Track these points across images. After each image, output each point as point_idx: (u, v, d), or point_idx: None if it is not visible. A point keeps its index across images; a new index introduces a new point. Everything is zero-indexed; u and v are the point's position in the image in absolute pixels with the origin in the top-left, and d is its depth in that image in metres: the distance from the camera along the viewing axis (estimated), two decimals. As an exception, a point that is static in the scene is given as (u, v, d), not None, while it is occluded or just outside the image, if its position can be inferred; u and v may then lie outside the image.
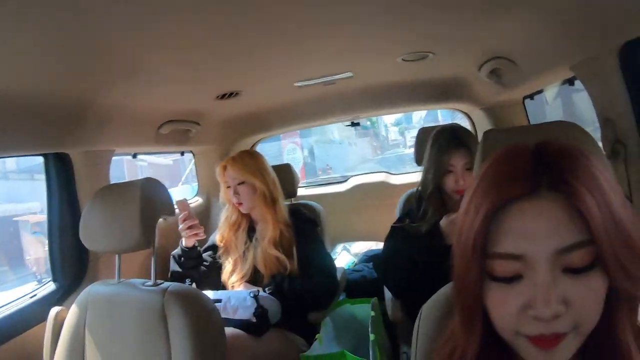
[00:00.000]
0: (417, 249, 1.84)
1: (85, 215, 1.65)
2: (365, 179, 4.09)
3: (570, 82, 1.92)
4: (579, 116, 3.28)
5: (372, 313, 2.27)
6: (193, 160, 3.12)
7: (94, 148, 2.01)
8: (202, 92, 2.18)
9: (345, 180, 4.15)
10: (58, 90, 1.58)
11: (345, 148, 11.02)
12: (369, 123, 11.80)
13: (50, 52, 1.27)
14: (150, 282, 1.60)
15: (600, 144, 1.57)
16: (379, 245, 3.41)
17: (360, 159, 11.17)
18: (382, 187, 3.94)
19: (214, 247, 2.29)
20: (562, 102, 3.50)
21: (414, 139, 2.86)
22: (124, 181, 1.72)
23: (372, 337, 2.01)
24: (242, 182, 2.18)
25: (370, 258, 3.26)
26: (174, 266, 2.19)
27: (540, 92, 2.52)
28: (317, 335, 2.09)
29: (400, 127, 12.93)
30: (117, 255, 1.68)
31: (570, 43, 1.54)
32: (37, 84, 1.46)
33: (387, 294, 2.23)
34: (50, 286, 1.95)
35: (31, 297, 1.86)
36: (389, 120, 12.41)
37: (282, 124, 3.33)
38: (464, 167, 1.89)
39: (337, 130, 9.94)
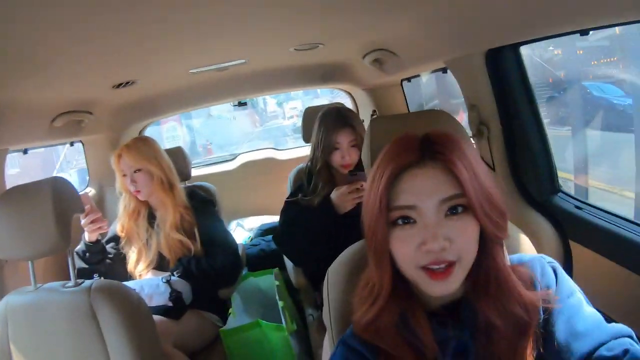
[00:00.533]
0: (311, 220, 2.00)
1: None
2: (252, 156, 4.21)
3: (443, 70, 2.21)
4: (451, 93, 3.74)
5: (276, 282, 2.46)
6: (66, 148, 2.98)
7: None
8: (98, 82, 2.12)
9: (234, 158, 4.24)
10: None
11: (225, 122, 10.86)
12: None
13: None
14: (71, 283, 1.56)
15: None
16: (272, 219, 3.60)
17: (241, 133, 11.09)
18: (270, 163, 4.10)
19: (115, 238, 2.25)
20: (436, 82, 3.95)
21: (294, 111, 3.06)
22: (27, 182, 1.63)
23: (280, 303, 2.20)
24: (139, 170, 2.15)
25: (265, 232, 3.41)
26: (79, 263, 2.13)
27: (417, 76, 2.84)
28: (230, 310, 2.21)
29: (278, 99, 12.91)
30: (30, 262, 1.59)
31: (445, 43, 1.82)
32: None
33: (288, 263, 2.40)
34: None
35: None
36: None
37: (174, 108, 3.33)
38: (349, 144, 2.06)
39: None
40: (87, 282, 1.54)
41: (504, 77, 1.73)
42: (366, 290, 0.93)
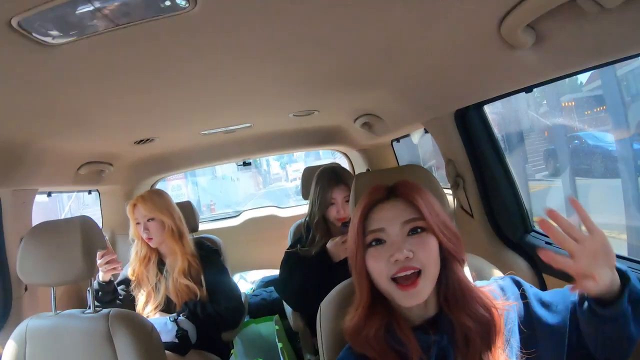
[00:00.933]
0: (309, 268, 2.17)
1: (23, 251, 1.69)
2: (256, 213, 4.44)
3: (425, 130, 2.45)
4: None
5: (277, 327, 2.63)
6: (71, 200, 3.20)
7: (23, 187, 2.10)
8: (122, 137, 2.36)
9: (238, 215, 4.46)
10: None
11: (229, 183, 11.10)
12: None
13: None
14: (90, 310, 1.70)
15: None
16: (273, 272, 3.74)
17: (244, 194, 11.30)
18: (272, 220, 4.31)
19: (126, 281, 2.36)
20: (423, 141, 4.27)
21: (296, 173, 3.30)
22: (56, 219, 1.82)
23: (279, 345, 2.36)
24: (152, 219, 2.27)
25: (266, 283, 3.58)
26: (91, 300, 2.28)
27: (406, 136, 3.12)
28: (232, 351, 2.35)
29: (282, 162, 13.30)
30: (52, 288, 1.74)
31: (419, 107, 2.11)
32: None
33: (288, 308, 2.54)
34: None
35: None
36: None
37: (185, 165, 3.59)
38: (344, 199, 2.22)
39: (220, 165, 10.15)
40: (105, 310, 1.67)
41: (473, 133, 1.98)
42: (352, 312, 1.13)
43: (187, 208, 2.74)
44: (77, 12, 0.91)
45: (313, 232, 2.32)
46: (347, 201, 2.23)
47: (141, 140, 2.49)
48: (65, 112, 1.65)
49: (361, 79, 1.88)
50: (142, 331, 1.65)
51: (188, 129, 2.56)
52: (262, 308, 3.20)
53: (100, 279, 2.24)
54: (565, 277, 1.61)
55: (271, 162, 13.63)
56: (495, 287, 1.13)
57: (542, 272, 1.81)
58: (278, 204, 4.78)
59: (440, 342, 1.05)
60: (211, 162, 3.87)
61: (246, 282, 3.77)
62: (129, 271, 2.37)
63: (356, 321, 1.09)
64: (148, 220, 2.28)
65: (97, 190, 3.09)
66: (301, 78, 1.80)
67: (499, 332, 1.05)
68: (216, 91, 1.76)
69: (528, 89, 1.53)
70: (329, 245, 2.15)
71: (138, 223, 2.29)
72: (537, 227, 1.99)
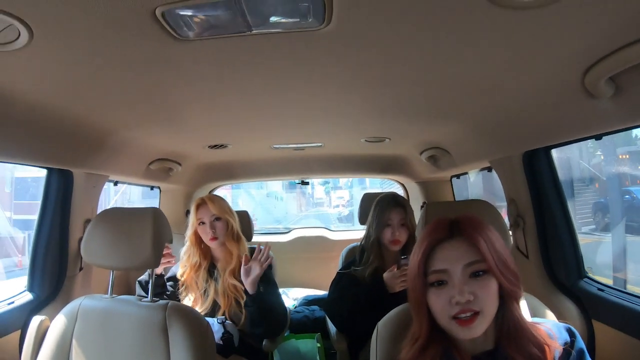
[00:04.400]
0: (361, 291, 2.30)
1: (90, 232, 1.79)
2: (306, 232, 4.62)
3: (489, 169, 2.61)
4: (492, 191, 4.17)
5: (318, 345, 2.75)
6: (119, 194, 3.36)
7: (97, 172, 2.28)
8: (198, 139, 2.56)
9: (289, 232, 4.65)
10: (87, 117, 1.79)
11: (272, 201, 11.27)
12: (297, 178, 12.33)
13: (97, 84, 1.46)
14: (147, 299, 1.78)
15: (506, 217, 2.27)
16: (316, 292, 3.91)
17: (286, 214, 11.42)
18: (321, 241, 4.48)
19: (174, 279, 2.45)
20: (482, 180, 4.40)
21: (340, 200, 3.46)
22: (128, 208, 1.95)
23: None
24: (219, 218, 2.38)
25: (310, 302, 3.71)
26: (139, 291, 2.35)
27: (464, 174, 3.27)
28: None
29: (327, 187, 13.35)
30: (111, 272, 1.84)
31: (489, 145, 2.25)
32: (73, 108, 1.67)
33: (331, 328, 2.65)
34: (27, 296, 2.09)
35: (8, 304, 1.98)
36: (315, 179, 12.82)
37: (248, 175, 3.80)
38: (400, 222, 2.39)
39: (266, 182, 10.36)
40: (163, 302, 1.74)
41: (538, 176, 2.10)
42: (412, 342, 1.23)
43: (245, 217, 2.87)
44: (218, 12, 1.03)
45: (367, 253, 2.46)
46: (403, 224, 2.40)
47: (215, 145, 2.68)
48: (158, 107, 1.81)
49: (437, 112, 2.03)
50: (199, 327, 1.70)
51: (261, 141, 2.75)
52: (303, 325, 3.32)
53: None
54: (616, 325, 1.75)
55: (315, 186, 13.68)
56: (552, 326, 1.23)
57: (592, 319, 1.89)
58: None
59: None
60: (274, 176, 4.09)
61: (288, 298, 3.89)
62: (179, 272, 2.46)
63: (414, 354, 1.20)
64: (215, 220, 2.38)
65: (159, 188, 3.27)
66: (379, 105, 1.94)
67: None
68: (288, 104, 1.89)
69: (598, 136, 1.66)
70: (386, 276, 2.24)
71: (202, 223, 2.39)
72: (589, 274, 2.08)
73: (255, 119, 2.15)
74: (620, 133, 1.60)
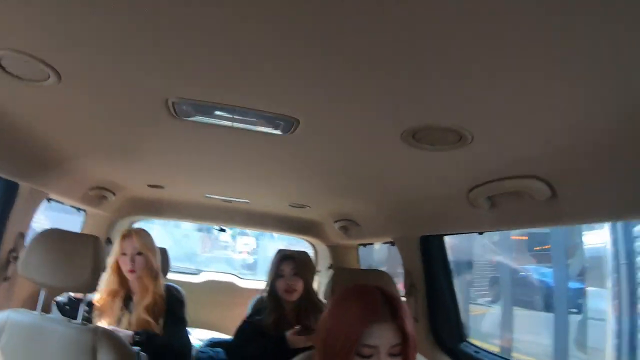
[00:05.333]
0: (268, 340, 2.51)
1: (32, 247, 1.88)
2: (217, 277, 4.88)
3: (392, 243, 3.02)
4: (395, 257, 4.76)
5: None
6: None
7: (42, 189, 2.32)
8: (139, 179, 2.79)
9: (199, 273, 4.89)
10: (47, 138, 1.84)
11: (177, 238, 11.01)
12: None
13: (63, 109, 1.51)
14: (77, 321, 1.87)
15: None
16: (221, 336, 4.05)
17: (188, 253, 11.22)
18: (230, 287, 4.75)
19: (90, 304, 2.46)
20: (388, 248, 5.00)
21: (245, 247, 3.77)
22: (70, 231, 2.03)
23: None
24: (141, 253, 2.48)
25: (214, 344, 3.76)
26: (55, 311, 2.40)
27: (371, 244, 3.75)
28: None
29: (233, 232, 13.30)
30: (42, 290, 1.92)
31: (391, 225, 2.71)
32: (35, 127, 1.70)
33: None
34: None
35: None
36: None
37: (176, 215, 4.02)
38: (291, 272, 2.64)
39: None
40: (92, 325, 1.87)
41: (431, 255, 2.56)
42: None
43: (163, 254, 2.95)
44: (215, 111, 1.32)
45: (268, 303, 2.69)
46: (295, 274, 2.65)
47: (154, 185, 2.87)
48: (116, 142, 1.94)
49: (353, 190, 2.40)
50: (128, 353, 1.83)
51: (195, 189, 3.00)
52: None
53: (73, 294, 2.48)
54: None
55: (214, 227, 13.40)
56: None
57: None
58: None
59: None
60: (201, 221, 4.37)
61: (193, 337, 3.99)
62: (95, 297, 2.50)
63: None
64: (137, 254, 2.49)
65: (85, 210, 3.24)
66: (302, 178, 2.27)
67: None
68: (219, 163, 2.13)
69: (480, 232, 2.20)
70: (289, 334, 2.43)
71: (124, 254, 2.49)
72: (469, 339, 2.54)
73: (193, 171, 2.39)
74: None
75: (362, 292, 1.43)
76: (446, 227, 2.32)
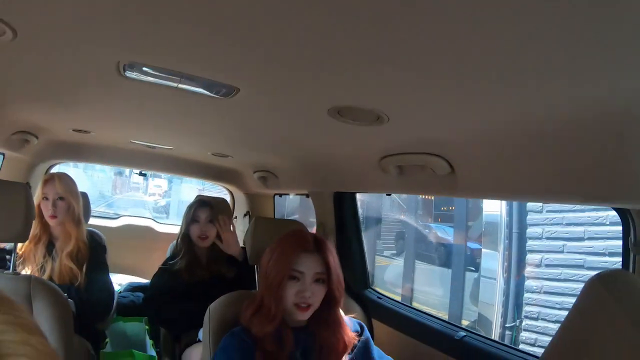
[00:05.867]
0: (179, 283, 2.72)
1: None
2: (134, 221, 4.97)
3: (307, 195, 3.27)
4: (306, 206, 5.07)
5: (147, 327, 3.15)
6: None
7: None
8: (64, 122, 2.72)
9: (117, 218, 4.96)
10: None
11: (85, 178, 10.73)
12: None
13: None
14: (10, 271, 1.94)
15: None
16: (140, 280, 4.24)
17: (98, 195, 11.02)
18: (148, 231, 4.87)
19: (10, 252, 2.34)
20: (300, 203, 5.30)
21: (157, 189, 3.79)
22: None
23: (150, 342, 2.94)
24: (62, 198, 2.48)
25: (134, 288, 4.01)
26: None
27: (286, 194, 4.01)
28: (106, 340, 2.79)
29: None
30: None
31: (311, 180, 2.94)
32: None
33: None
34: None
35: None
36: None
37: (99, 160, 4.06)
38: (206, 219, 2.80)
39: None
40: (25, 274, 1.90)
41: (343, 208, 2.85)
42: (259, 314, 1.70)
43: (84, 198, 2.99)
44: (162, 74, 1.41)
45: (180, 248, 2.85)
46: (210, 221, 2.81)
47: (79, 130, 2.84)
48: (46, 86, 1.87)
49: (276, 147, 2.58)
50: (61, 300, 1.85)
51: (120, 134, 3.01)
52: (130, 309, 3.59)
53: None
54: (388, 323, 2.53)
55: (134, 170, 13.09)
56: (347, 319, 1.84)
57: (372, 318, 2.63)
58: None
59: (307, 341, 1.72)
60: (123, 165, 4.40)
61: (113, 283, 4.14)
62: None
63: (259, 319, 1.69)
64: (58, 199, 2.48)
65: (3, 155, 3.15)
66: (226, 131, 2.38)
67: (345, 348, 1.75)
68: (146, 110, 2.10)
69: (388, 193, 2.49)
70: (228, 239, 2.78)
71: (46, 198, 2.48)
72: (373, 286, 2.89)
73: (123, 120, 2.45)
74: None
75: (296, 231, 1.81)
76: (358, 186, 2.61)
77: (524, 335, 5.31)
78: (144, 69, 1.41)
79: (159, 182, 13.13)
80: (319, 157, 2.44)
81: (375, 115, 1.48)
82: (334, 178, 2.67)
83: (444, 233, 8.99)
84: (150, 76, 1.46)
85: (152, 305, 2.79)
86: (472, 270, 7.24)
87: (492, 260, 6.40)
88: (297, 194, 3.82)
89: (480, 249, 7.04)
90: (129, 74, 1.44)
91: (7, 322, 0.56)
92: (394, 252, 9.82)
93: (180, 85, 1.51)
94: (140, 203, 11.89)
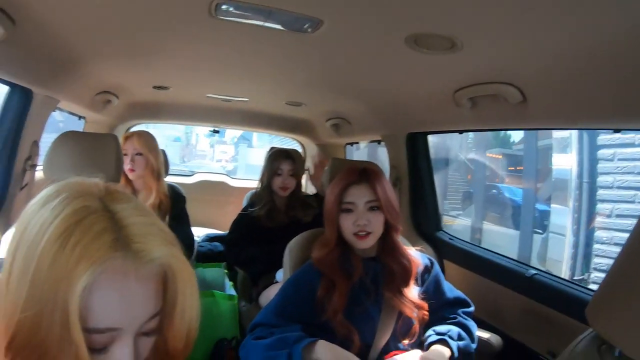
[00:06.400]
0: (257, 228, 2.90)
1: (54, 149, 2.00)
2: (209, 177, 5.19)
3: (378, 142, 3.37)
4: (374, 157, 5.13)
5: (225, 271, 3.35)
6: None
7: (54, 95, 2.36)
8: (145, 79, 2.89)
9: (192, 175, 5.19)
10: (59, 39, 1.86)
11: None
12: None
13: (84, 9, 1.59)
14: None
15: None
16: (216, 231, 4.46)
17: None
18: (222, 186, 5.08)
19: None
20: (368, 149, 5.40)
21: (223, 155, 3.86)
22: (87, 132, 2.20)
23: (230, 283, 3.11)
24: (140, 154, 2.63)
25: (211, 239, 4.26)
26: None
27: (357, 143, 4.10)
28: None
29: (212, 140, 13.65)
30: None
31: (381, 123, 3.01)
32: (50, 27, 1.72)
33: None
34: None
35: None
36: (201, 130, 12.88)
37: (176, 118, 4.21)
38: (289, 172, 2.94)
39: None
40: None
41: (416, 152, 2.90)
42: (320, 243, 1.85)
43: (164, 155, 3.09)
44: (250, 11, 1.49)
45: (260, 197, 3.01)
46: (292, 175, 2.96)
47: (159, 87, 3.01)
48: (127, 43, 2.03)
49: (350, 89, 2.63)
50: None
51: (198, 88, 3.13)
52: (208, 257, 3.83)
53: None
54: (459, 262, 2.61)
55: (200, 138, 13.91)
56: (416, 252, 1.90)
57: (443, 258, 2.71)
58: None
59: (375, 269, 1.80)
60: (199, 122, 4.57)
61: None
62: None
63: (325, 252, 1.80)
64: (136, 154, 2.64)
65: (85, 118, 3.30)
66: (299, 76, 2.48)
67: (410, 274, 1.80)
68: (220, 57, 2.23)
69: (460, 132, 2.54)
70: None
71: (126, 154, 2.61)
72: (444, 228, 2.96)
73: (201, 69, 2.54)
74: (499, 136, 2.38)
75: (346, 167, 1.88)
76: (431, 125, 2.65)
77: (592, 287, 5.23)
78: (232, 9, 1.50)
79: (224, 148, 13.47)
80: (393, 96, 2.49)
81: (450, 42, 1.53)
82: (407, 118, 2.72)
83: (512, 193, 8.86)
84: (239, 17, 1.55)
85: (234, 246, 2.97)
86: (539, 233, 7.12)
87: (562, 217, 6.29)
88: (369, 141, 3.87)
89: (549, 211, 6.92)
90: (219, 13, 1.53)
91: (133, 207, 0.72)
92: (460, 212, 9.75)
93: (267, 24, 1.60)
94: (208, 169, 12.14)
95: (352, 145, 4.24)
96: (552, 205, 6.72)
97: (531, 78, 1.67)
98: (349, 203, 1.77)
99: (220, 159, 13.07)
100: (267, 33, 1.68)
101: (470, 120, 2.19)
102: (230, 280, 3.34)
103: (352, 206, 1.77)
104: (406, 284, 1.80)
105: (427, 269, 1.90)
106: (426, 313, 1.81)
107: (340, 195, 1.78)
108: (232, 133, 12.40)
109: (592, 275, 5.25)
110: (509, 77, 1.72)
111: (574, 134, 6.08)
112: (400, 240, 1.91)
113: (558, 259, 6.13)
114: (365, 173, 1.80)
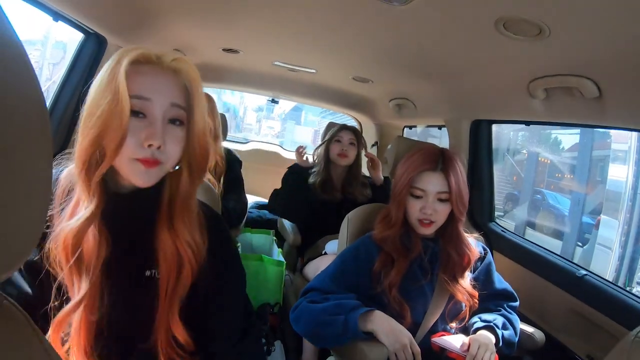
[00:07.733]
0: (310, 195, 2.96)
1: None
2: (263, 146, 5.34)
3: (440, 127, 3.41)
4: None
5: (274, 238, 3.44)
6: None
7: (128, 46, 2.53)
8: (216, 39, 2.97)
9: (247, 142, 5.37)
10: None
11: None
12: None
13: None
14: None
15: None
16: (265, 200, 4.48)
17: None
18: (274, 156, 5.22)
19: None
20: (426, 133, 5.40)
21: (270, 130, 3.96)
22: None
23: (279, 250, 3.16)
24: None
25: (260, 206, 4.42)
26: None
27: (414, 126, 4.14)
28: (238, 243, 3.06)
29: (259, 115, 13.74)
30: None
31: (446, 107, 3.03)
32: None
33: (287, 226, 3.30)
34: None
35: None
36: (250, 104, 13.04)
37: (239, 84, 4.35)
38: (349, 141, 2.99)
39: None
40: None
41: (478, 139, 2.93)
42: (383, 220, 1.90)
43: (222, 119, 3.15)
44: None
45: (318, 165, 3.08)
46: (352, 144, 3.01)
47: (229, 49, 3.13)
48: (201, 5, 2.16)
49: (421, 69, 2.65)
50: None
51: (266, 54, 3.22)
52: (257, 223, 3.97)
53: None
54: (508, 255, 2.66)
55: (248, 111, 13.98)
56: (473, 240, 1.94)
57: (494, 250, 2.63)
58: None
59: (434, 249, 1.86)
60: (264, 90, 4.58)
61: None
62: None
63: (383, 224, 1.88)
64: None
65: None
66: (369, 49, 2.49)
67: (468, 263, 1.86)
68: (290, 23, 2.29)
69: (527, 123, 2.55)
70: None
71: None
72: (496, 220, 3.01)
73: (272, 34, 2.58)
74: (550, 137, 2.37)
75: (425, 148, 1.88)
76: (500, 113, 2.67)
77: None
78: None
79: (272, 124, 13.60)
80: (466, 81, 2.52)
81: (538, 28, 1.56)
82: (475, 104, 2.75)
83: (556, 201, 8.73)
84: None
85: (282, 196, 3.10)
86: (579, 246, 7.03)
87: (610, 229, 6.20)
88: (429, 126, 3.90)
89: (594, 225, 6.78)
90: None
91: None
92: (501, 214, 9.68)
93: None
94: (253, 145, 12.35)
95: (410, 129, 4.27)
96: (602, 216, 6.62)
97: (610, 72, 1.67)
98: (420, 190, 1.79)
99: (266, 134, 13.14)
100: (352, 1, 1.72)
101: (540, 112, 2.21)
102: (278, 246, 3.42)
103: (422, 193, 1.78)
104: (462, 272, 1.86)
105: (481, 257, 1.95)
106: (477, 301, 1.87)
107: (412, 178, 1.80)
108: (281, 109, 12.52)
109: (634, 290, 5.15)
110: (588, 69, 1.73)
111: (633, 146, 5.98)
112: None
113: (601, 272, 6.09)
114: (445, 161, 1.79)
